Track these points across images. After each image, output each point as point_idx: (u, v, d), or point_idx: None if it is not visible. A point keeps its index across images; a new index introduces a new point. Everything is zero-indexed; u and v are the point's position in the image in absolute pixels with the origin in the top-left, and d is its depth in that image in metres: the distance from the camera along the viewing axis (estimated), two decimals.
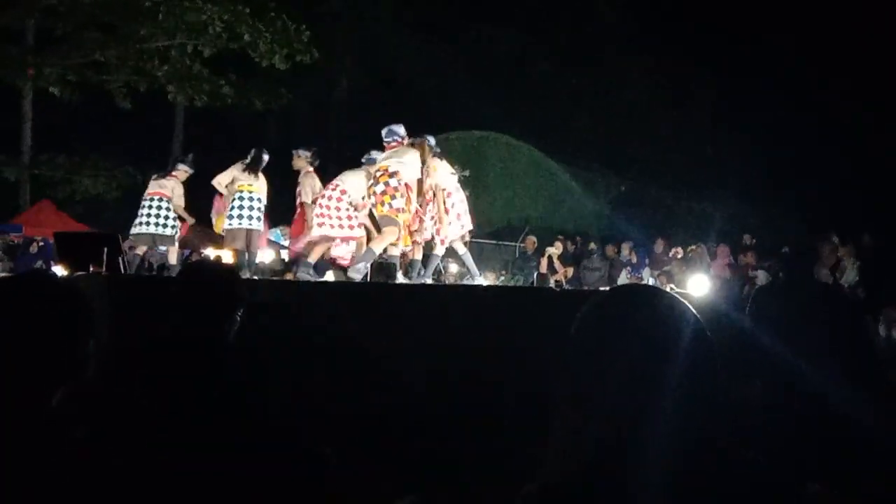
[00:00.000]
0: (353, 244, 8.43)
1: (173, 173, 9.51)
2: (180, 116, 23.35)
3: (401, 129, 7.82)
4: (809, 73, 18.51)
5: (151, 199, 9.28)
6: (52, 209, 17.99)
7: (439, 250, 8.21)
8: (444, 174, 8.08)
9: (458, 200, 8.11)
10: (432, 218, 8.01)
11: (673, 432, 1.11)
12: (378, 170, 7.55)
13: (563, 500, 1.13)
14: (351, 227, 7.98)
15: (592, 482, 1.11)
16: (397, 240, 7.54)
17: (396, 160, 7.52)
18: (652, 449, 1.10)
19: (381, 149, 7.98)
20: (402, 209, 7.43)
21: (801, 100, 18.60)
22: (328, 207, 7.95)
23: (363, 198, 8.03)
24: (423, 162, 8.01)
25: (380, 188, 7.41)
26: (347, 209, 7.97)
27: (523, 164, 19.41)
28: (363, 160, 8.41)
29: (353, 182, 8.08)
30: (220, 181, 8.81)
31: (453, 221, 8.01)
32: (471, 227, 8.43)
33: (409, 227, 7.75)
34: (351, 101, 24.06)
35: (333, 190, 8.02)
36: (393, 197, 7.35)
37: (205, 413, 2.19)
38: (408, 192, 7.57)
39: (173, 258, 9.43)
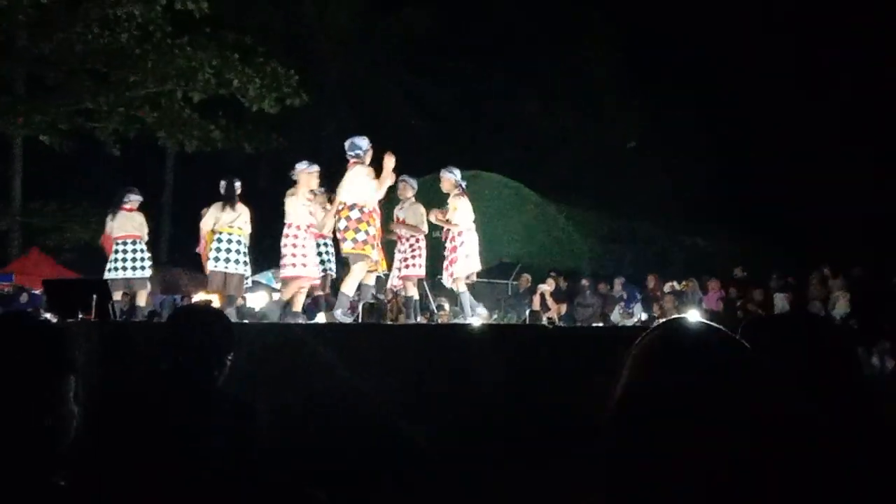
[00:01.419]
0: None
1: (128, 206, 9.36)
2: (170, 162, 23.40)
3: (363, 142, 7.65)
4: (796, 105, 18.70)
5: (125, 243, 9.15)
6: (43, 257, 17.92)
7: (460, 286, 8.18)
8: (464, 212, 8.12)
9: (471, 240, 8.14)
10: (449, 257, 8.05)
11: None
12: (339, 203, 7.46)
13: None
14: (294, 266, 7.84)
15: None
16: (375, 267, 7.52)
17: (353, 191, 7.37)
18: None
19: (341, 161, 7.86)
20: (369, 239, 7.34)
21: (791, 134, 18.77)
22: (285, 246, 7.89)
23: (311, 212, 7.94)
24: (446, 195, 8.09)
25: (342, 224, 7.34)
26: (296, 245, 7.84)
27: (514, 201, 19.48)
28: (291, 175, 8.21)
29: (290, 209, 7.99)
30: (205, 226, 8.70)
31: (461, 259, 8.03)
32: (478, 267, 8.42)
33: (381, 251, 7.72)
34: (341, 143, 24.17)
35: (285, 228, 7.96)
36: (357, 230, 7.26)
37: (195, 457, 2.17)
38: (372, 216, 7.49)
39: (142, 300, 9.33)
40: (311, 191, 8.32)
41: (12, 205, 19.43)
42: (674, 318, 1.39)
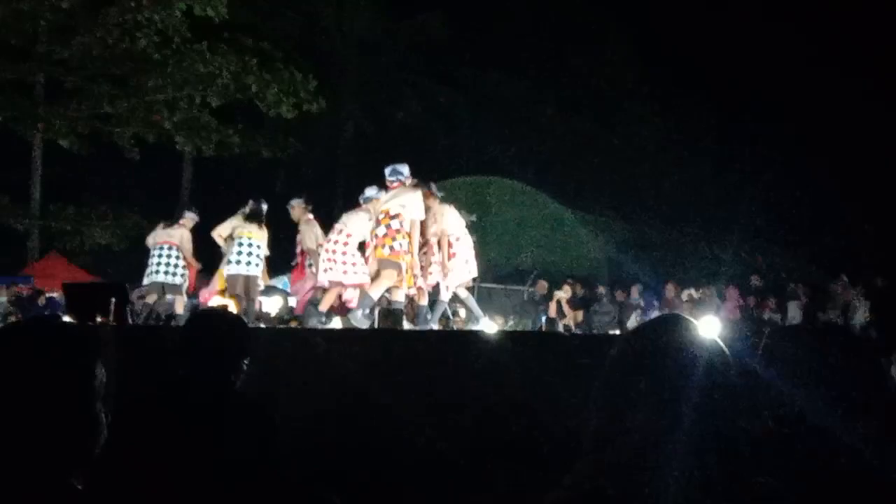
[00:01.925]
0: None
1: (181, 222, 9.55)
2: (188, 166, 23.55)
3: (405, 169, 7.76)
4: (817, 114, 18.61)
5: (161, 248, 9.33)
6: (61, 260, 18.06)
7: (445, 296, 8.16)
8: (452, 219, 8.06)
9: (466, 246, 8.07)
10: (439, 263, 7.98)
11: (694, 445, 1.22)
12: (380, 213, 7.54)
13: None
14: (356, 274, 7.88)
15: (623, 488, 1.21)
16: (400, 282, 7.51)
17: (398, 202, 7.50)
18: (674, 459, 1.21)
19: (382, 186, 7.98)
20: (406, 251, 7.40)
21: (810, 141, 18.66)
22: (334, 252, 7.86)
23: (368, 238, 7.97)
24: (429, 207, 8.01)
25: (381, 231, 7.40)
26: (354, 254, 7.89)
27: (530, 208, 19.49)
28: (361, 199, 8.32)
29: (356, 223, 7.98)
30: (220, 233, 8.78)
31: (460, 266, 7.96)
32: (475, 273, 8.38)
33: (411, 268, 7.70)
34: (358, 148, 24.27)
35: (339, 234, 7.92)
36: (394, 239, 7.33)
37: (212, 462, 2.17)
38: (411, 235, 7.55)
39: (180, 308, 9.41)
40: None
41: (31, 207, 19.60)
42: (650, 329, 1.39)
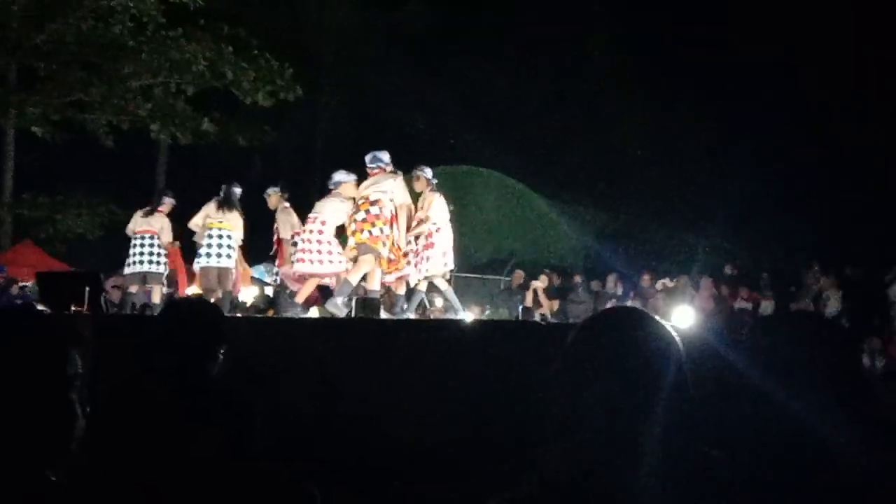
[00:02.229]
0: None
1: (160, 209, 9.46)
2: (163, 154, 23.33)
3: (385, 156, 7.78)
4: (796, 106, 18.75)
5: (143, 237, 9.26)
6: (34, 249, 17.83)
7: (421, 285, 8.19)
8: (440, 209, 8.08)
9: (446, 237, 8.09)
10: (414, 252, 8.01)
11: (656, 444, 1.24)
12: (360, 198, 7.55)
13: None
14: (331, 263, 7.86)
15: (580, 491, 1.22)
16: (393, 265, 7.54)
17: (376, 189, 7.51)
18: (635, 460, 1.23)
19: (355, 172, 7.99)
20: (386, 237, 7.41)
21: (786, 132, 18.79)
22: (309, 241, 7.84)
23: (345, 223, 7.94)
24: (420, 194, 8.05)
25: (360, 216, 7.42)
26: (331, 242, 7.86)
27: (508, 198, 19.51)
28: (330, 185, 8.27)
29: (330, 210, 7.96)
30: (196, 222, 8.76)
31: (437, 257, 7.98)
32: (452, 266, 8.40)
33: (399, 253, 7.73)
34: (335, 137, 24.13)
35: (313, 223, 7.91)
36: (373, 224, 7.34)
37: (190, 452, 2.17)
38: (394, 220, 7.56)
39: (157, 297, 9.37)
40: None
41: (3, 196, 19.32)
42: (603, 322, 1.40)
